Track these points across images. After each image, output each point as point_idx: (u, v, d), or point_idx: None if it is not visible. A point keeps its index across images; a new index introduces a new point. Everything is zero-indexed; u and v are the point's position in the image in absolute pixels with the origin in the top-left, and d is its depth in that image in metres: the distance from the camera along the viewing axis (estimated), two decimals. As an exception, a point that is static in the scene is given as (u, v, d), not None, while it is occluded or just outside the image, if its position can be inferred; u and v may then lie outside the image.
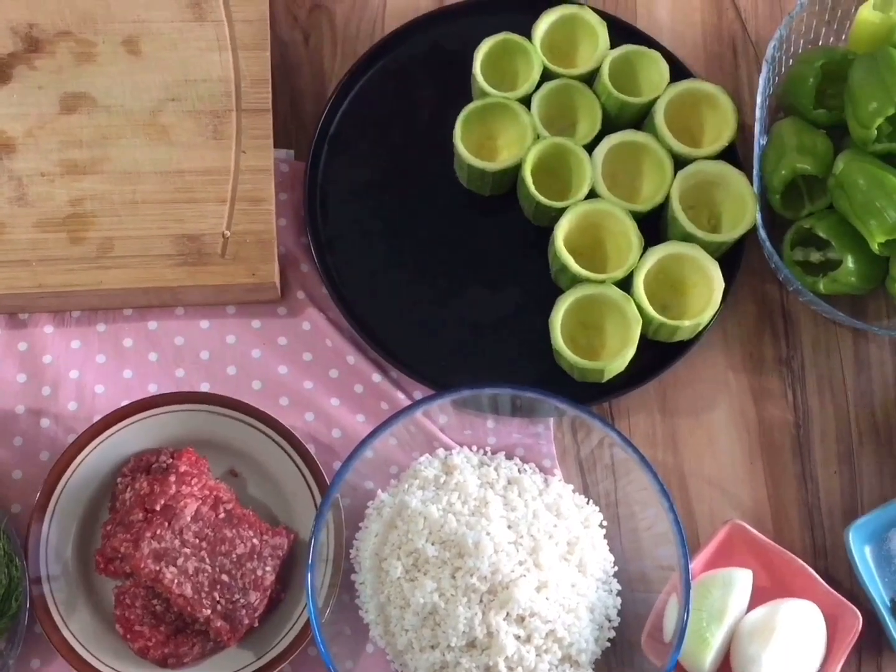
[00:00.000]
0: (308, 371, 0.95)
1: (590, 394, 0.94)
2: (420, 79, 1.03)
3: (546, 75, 0.98)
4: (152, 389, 0.94)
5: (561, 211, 0.94)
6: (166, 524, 0.86)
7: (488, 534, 0.85)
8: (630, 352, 0.91)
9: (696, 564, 0.88)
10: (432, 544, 0.86)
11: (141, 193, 0.93)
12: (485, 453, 0.93)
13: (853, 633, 0.87)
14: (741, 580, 0.89)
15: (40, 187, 0.93)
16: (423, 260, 0.98)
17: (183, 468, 0.87)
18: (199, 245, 0.93)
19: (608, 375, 0.93)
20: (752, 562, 0.90)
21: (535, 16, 1.00)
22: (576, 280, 0.93)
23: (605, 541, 0.91)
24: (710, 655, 0.87)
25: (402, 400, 0.95)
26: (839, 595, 0.88)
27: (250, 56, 0.97)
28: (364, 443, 0.85)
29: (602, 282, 0.92)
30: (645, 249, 0.93)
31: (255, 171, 0.95)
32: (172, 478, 0.87)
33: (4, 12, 0.96)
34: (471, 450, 0.93)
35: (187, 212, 0.93)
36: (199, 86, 0.96)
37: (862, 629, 0.87)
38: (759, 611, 0.88)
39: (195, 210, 0.93)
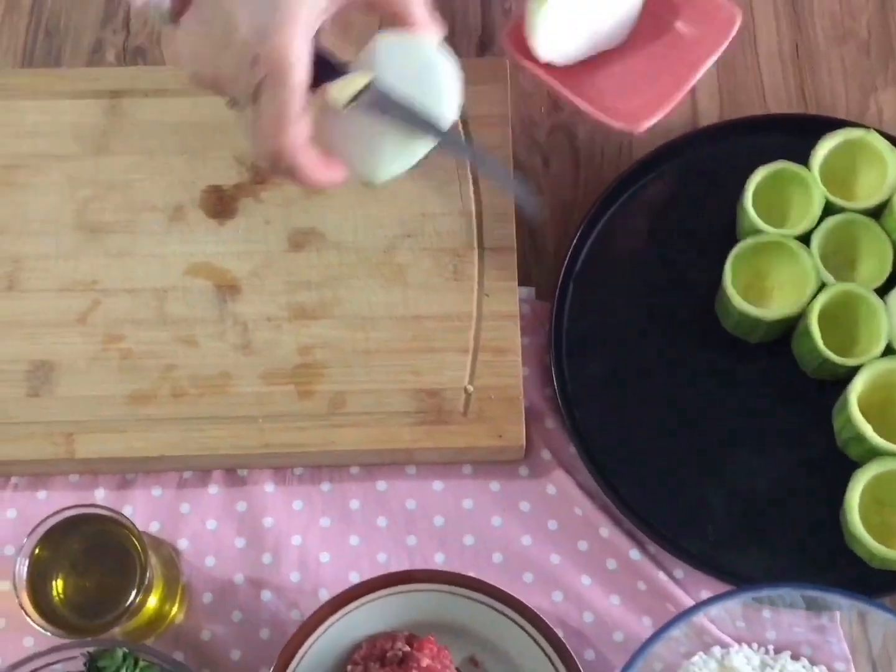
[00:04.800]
0: (554, 542, 0.84)
1: (884, 580, 0.81)
2: (674, 208, 0.92)
3: (825, 208, 0.87)
4: (381, 560, 0.84)
5: (853, 369, 0.82)
6: (407, 728, 0.75)
7: (781, 757, 0.73)
8: (942, 538, 0.78)
9: None
10: None
11: (374, 341, 0.84)
12: (766, 651, 0.80)
13: None
14: None
15: (266, 333, 0.85)
16: (683, 415, 0.87)
17: (425, 662, 0.77)
18: (439, 401, 0.83)
19: (915, 565, 0.80)
20: None
21: (805, 137, 0.89)
22: (874, 452, 0.80)
23: None
24: None
25: (662, 579, 0.83)
26: None
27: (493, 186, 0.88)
28: (640, 652, 0.73)
29: (906, 455, 0.80)
30: (954, 415, 0.81)
31: (500, 318, 0.85)
32: (414, 673, 0.77)
33: (230, 141, 0.89)
34: (749, 647, 0.80)
35: (425, 363, 0.84)
36: (437, 220, 0.87)
37: None
38: None
39: (434, 361, 0.84)
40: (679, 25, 0.89)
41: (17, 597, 0.73)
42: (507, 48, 0.87)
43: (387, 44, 0.67)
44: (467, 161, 0.87)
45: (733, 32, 0.87)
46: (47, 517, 0.74)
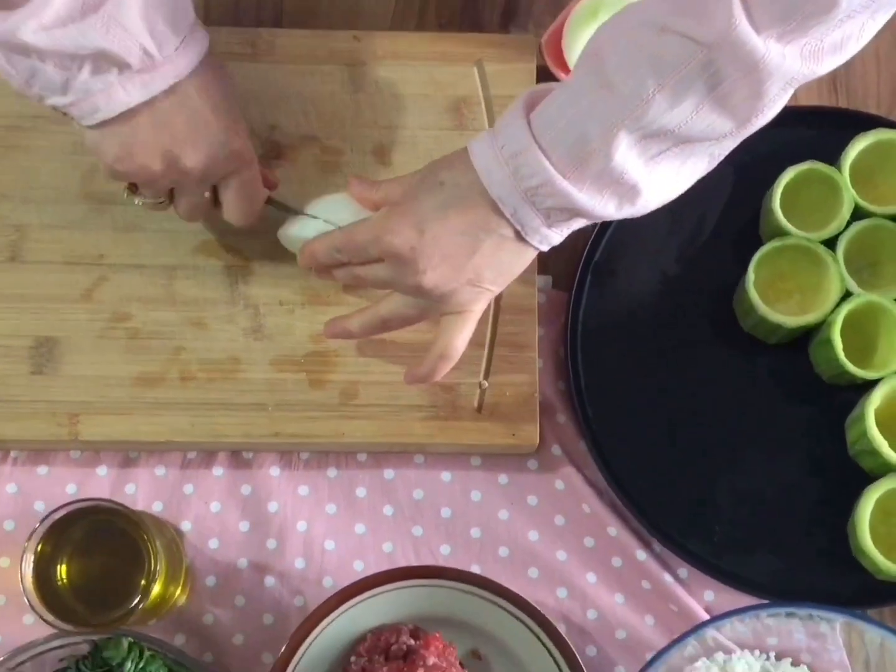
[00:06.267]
0: (561, 538, 0.84)
1: (890, 590, 0.82)
2: (696, 200, 0.89)
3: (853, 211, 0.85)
4: (387, 549, 0.84)
5: (870, 381, 0.81)
6: (412, 726, 0.76)
7: None
8: (952, 555, 0.79)
9: None
10: None
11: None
12: (767, 658, 0.81)
13: None
14: None
15: (278, 318, 0.83)
16: (695, 413, 0.86)
17: (431, 660, 0.77)
18: (453, 397, 0.82)
19: (920, 580, 0.80)
20: None
21: (835, 131, 0.87)
22: (887, 467, 0.80)
23: None
24: None
25: (666, 580, 0.83)
26: None
27: (515, 173, 0.86)
28: (654, 662, 0.73)
29: (919, 472, 0.80)
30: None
31: (518, 311, 0.83)
32: (420, 671, 0.77)
33: (245, 113, 0.85)
34: (752, 653, 0.81)
35: (440, 355, 0.83)
36: (455, 206, 0.85)
37: None
38: None
39: (449, 354, 0.83)
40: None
41: (24, 591, 0.72)
42: (545, 55, 0.87)
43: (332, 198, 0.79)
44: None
45: None
46: (50, 512, 0.73)
